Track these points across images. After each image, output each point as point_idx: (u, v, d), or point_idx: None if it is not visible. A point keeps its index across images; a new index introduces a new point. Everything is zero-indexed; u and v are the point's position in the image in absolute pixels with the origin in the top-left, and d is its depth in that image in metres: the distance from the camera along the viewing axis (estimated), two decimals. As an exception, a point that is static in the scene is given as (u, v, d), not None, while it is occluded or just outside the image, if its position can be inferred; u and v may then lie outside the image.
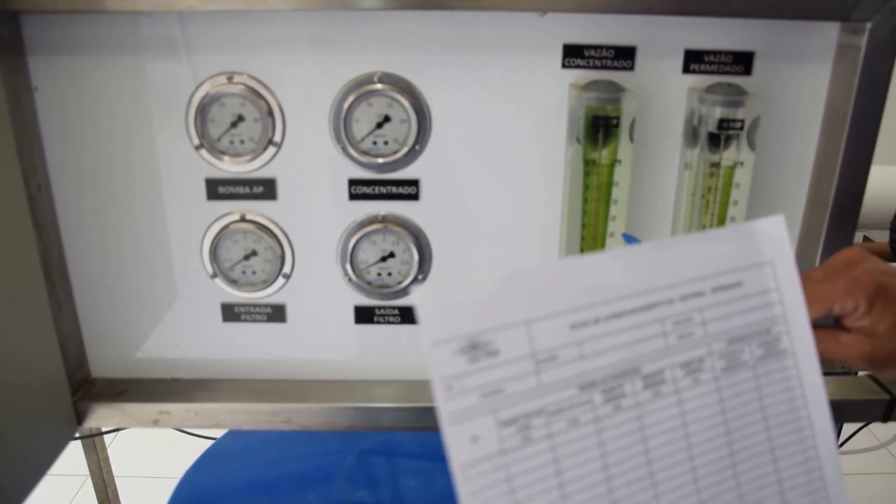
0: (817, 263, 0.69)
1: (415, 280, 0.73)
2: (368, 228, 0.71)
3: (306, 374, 0.77)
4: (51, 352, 0.69)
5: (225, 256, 0.73)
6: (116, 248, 0.72)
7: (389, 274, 0.73)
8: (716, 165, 0.66)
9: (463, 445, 0.38)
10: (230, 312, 0.75)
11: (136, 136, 0.68)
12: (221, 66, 0.66)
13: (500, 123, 0.68)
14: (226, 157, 0.69)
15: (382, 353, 0.77)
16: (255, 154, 0.69)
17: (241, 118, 0.68)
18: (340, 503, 0.88)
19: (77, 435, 0.75)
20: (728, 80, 0.66)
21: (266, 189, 0.70)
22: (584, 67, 0.66)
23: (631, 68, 0.66)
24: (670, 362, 0.42)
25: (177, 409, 0.73)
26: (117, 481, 1.24)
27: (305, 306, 0.75)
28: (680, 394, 0.42)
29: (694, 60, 0.66)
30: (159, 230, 0.72)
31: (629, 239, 0.64)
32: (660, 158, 0.70)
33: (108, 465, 1.20)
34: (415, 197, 0.71)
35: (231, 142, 0.68)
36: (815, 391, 0.45)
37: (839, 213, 0.67)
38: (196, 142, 0.68)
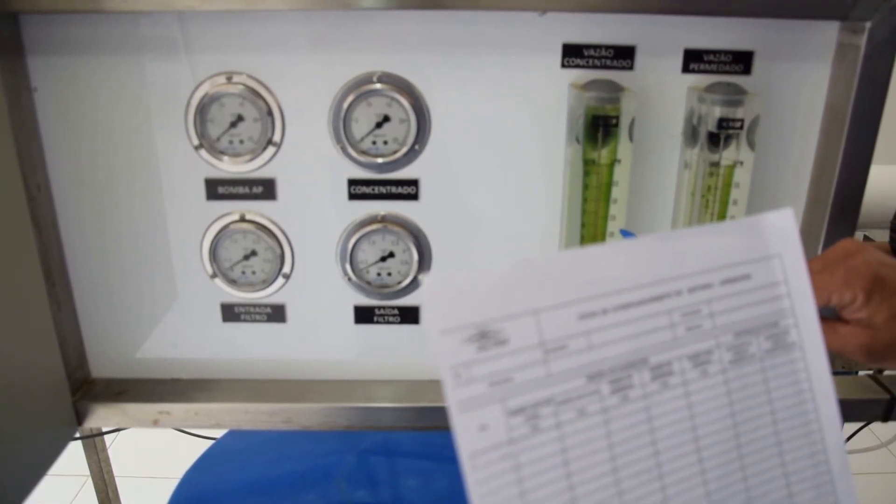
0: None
1: (415, 280, 0.74)
2: (368, 228, 0.71)
3: (306, 374, 0.77)
4: (51, 352, 0.69)
5: (225, 256, 0.73)
6: (116, 248, 0.72)
7: (389, 274, 0.73)
8: (715, 165, 0.66)
9: (471, 434, 0.37)
10: (230, 312, 0.75)
11: (136, 136, 0.68)
12: (221, 66, 0.66)
13: (500, 123, 0.68)
14: (225, 157, 0.69)
15: (382, 353, 0.77)
16: (255, 154, 0.69)
17: (240, 118, 0.68)
18: (340, 503, 0.88)
19: (77, 435, 0.75)
20: (727, 79, 0.66)
21: (266, 189, 0.70)
22: (583, 67, 0.66)
23: (630, 68, 0.66)
24: (678, 354, 0.42)
25: (177, 409, 0.73)
26: (118, 481, 1.24)
27: (305, 306, 0.75)
28: (687, 385, 0.42)
29: (693, 60, 0.66)
30: (159, 230, 0.72)
31: (627, 235, 0.63)
32: (659, 158, 0.70)
33: (109, 466, 1.20)
34: (414, 197, 0.71)
35: (230, 142, 0.68)
36: (822, 384, 0.45)
37: (839, 212, 0.67)
38: (196, 142, 0.68)
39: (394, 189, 0.70)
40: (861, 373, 0.79)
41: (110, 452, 1.21)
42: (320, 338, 0.76)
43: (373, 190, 0.71)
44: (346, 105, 0.67)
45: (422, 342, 0.76)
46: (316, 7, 0.62)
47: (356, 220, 0.72)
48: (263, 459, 0.97)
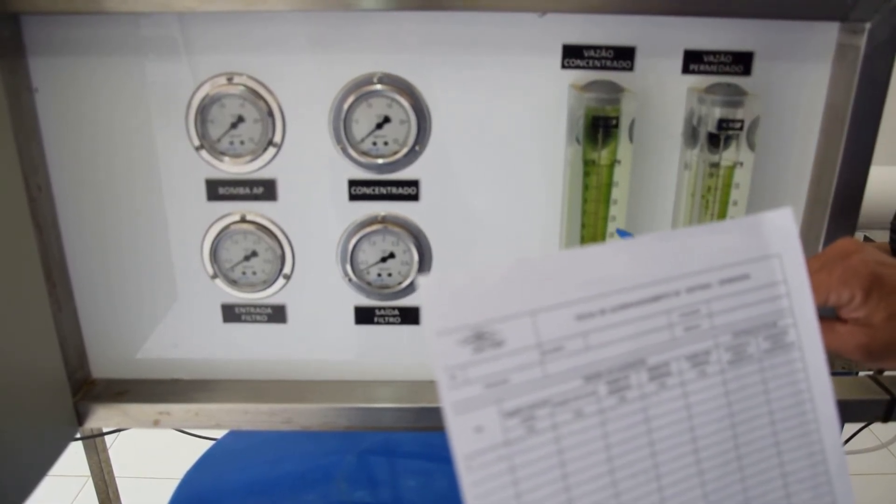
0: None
1: (415, 280, 0.74)
2: (368, 229, 0.71)
3: (306, 374, 0.77)
4: (51, 352, 0.69)
5: (225, 257, 0.73)
6: (117, 249, 0.72)
7: (389, 274, 0.74)
8: (715, 166, 0.66)
9: (466, 436, 0.37)
10: (230, 313, 0.75)
11: (137, 136, 0.69)
12: (221, 66, 0.66)
13: (500, 124, 0.68)
14: (226, 158, 0.69)
15: (382, 354, 0.77)
16: (256, 155, 0.69)
17: (241, 119, 0.68)
18: (340, 503, 0.88)
19: (78, 435, 0.75)
20: (727, 80, 0.66)
21: (266, 190, 0.70)
22: (583, 68, 0.66)
23: (630, 69, 0.66)
24: (676, 354, 0.42)
25: (177, 409, 0.73)
26: (118, 482, 1.24)
27: (306, 307, 0.75)
28: (685, 386, 0.42)
29: (693, 61, 0.66)
30: (160, 231, 0.72)
31: (624, 235, 0.63)
32: (659, 159, 0.70)
33: (109, 466, 1.20)
34: (415, 197, 0.71)
35: (231, 142, 0.69)
36: (821, 385, 0.45)
37: (839, 213, 0.67)
38: (196, 142, 0.68)
39: (394, 190, 0.71)
40: (861, 373, 0.78)
41: (111, 453, 1.21)
42: (321, 338, 0.76)
43: (373, 191, 0.71)
44: (346, 106, 0.67)
45: (422, 343, 0.76)
46: (316, 8, 0.62)
47: (356, 220, 0.72)
48: (264, 460, 0.97)
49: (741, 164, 0.66)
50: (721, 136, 0.64)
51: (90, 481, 1.21)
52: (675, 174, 0.70)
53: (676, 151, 0.70)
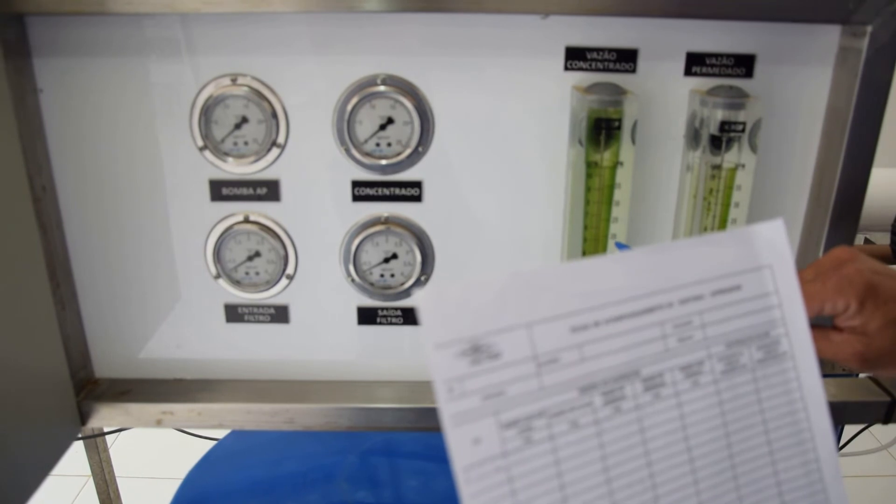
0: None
1: (418, 281, 0.74)
2: (371, 230, 0.71)
3: (309, 374, 0.77)
4: (54, 352, 0.70)
5: (228, 257, 0.73)
6: (120, 249, 0.72)
7: (392, 275, 0.74)
8: (717, 168, 0.66)
9: (465, 447, 0.38)
10: (233, 313, 0.75)
11: (141, 137, 0.69)
12: (225, 67, 0.67)
13: (503, 125, 0.69)
14: (229, 159, 0.69)
15: (385, 354, 0.77)
16: (259, 155, 0.69)
17: (244, 120, 0.68)
18: (342, 503, 0.88)
19: (79, 435, 0.75)
20: (729, 82, 0.67)
21: (270, 190, 0.71)
22: (586, 70, 0.67)
23: (633, 71, 0.67)
24: (670, 365, 0.42)
25: (180, 409, 0.73)
26: (118, 482, 1.24)
27: (308, 307, 0.75)
28: (679, 396, 0.42)
29: (695, 63, 0.66)
30: (163, 231, 0.72)
31: (622, 248, 0.64)
32: (661, 160, 0.70)
33: (110, 466, 1.21)
34: (418, 198, 0.71)
35: (235, 143, 0.69)
36: (814, 394, 0.45)
37: (840, 215, 0.67)
38: (200, 143, 0.69)
39: (397, 191, 0.71)
40: (862, 375, 0.79)
41: (111, 452, 1.21)
42: (323, 338, 0.77)
43: (376, 192, 0.71)
44: (350, 107, 0.67)
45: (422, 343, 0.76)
46: (320, 9, 0.62)
47: (360, 221, 0.72)
48: (266, 460, 0.97)
49: (743, 166, 0.66)
50: (723, 138, 0.65)
51: (91, 481, 1.21)
52: (678, 176, 0.71)
53: (678, 153, 0.70)
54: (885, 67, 0.62)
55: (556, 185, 0.71)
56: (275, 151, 0.69)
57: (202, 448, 1.04)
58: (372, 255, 0.73)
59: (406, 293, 0.74)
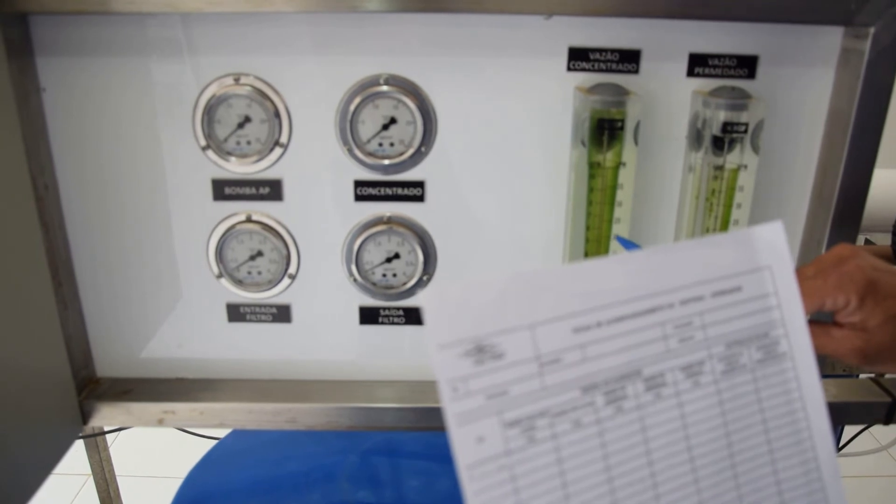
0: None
1: (420, 281, 0.74)
2: (374, 229, 0.71)
3: (310, 374, 0.78)
4: (56, 351, 0.70)
5: (231, 257, 0.73)
6: (123, 248, 0.72)
7: (394, 275, 0.74)
8: (719, 168, 0.66)
9: (469, 446, 0.38)
10: (235, 312, 0.76)
11: (143, 136, 0.69)
12: (228, 67, 0.67)
13: (505, 125, 0.69)
14: (232, 158, 0.69)
15: (386, 354, 0.77)
16: (262, 155, 0.69)
17: (247, 119, 0.68)
18: (343, 503, 0.89)
19: (79, 434, 0.75)
20: (732, 83, 0.67)
21: (272, 190, 0.71)
22: (588, 70, 0.67)
23: (635, 71, 0.67)
24: (671, 365, 0.43)
25: (181, 408, 0.73)
26: (119, 481, 1.24)
27: (310, 307, 0.75)
28: (680, 396, 0.43)
29: (698, 64, 0.66)
30: (165, 230, 0.72)
31: (623, 242, 0.64)
32: (664, 161, 0.70)
33: (110, 465, 1.21)
34: (420, 198, 0.71)
35: (238, 143, 0.69)
36: (813, 394, 0.46)
37: (842, 216, 0.67)
38: (203, 142, 0.69)
39: (400, 191, 0.71)
40: (862, 375, 0.79)
41: (112, 451, 1.21)
42: (325, 338, 0.77)
43: (379, 191, 0.71)
44: (352, 107, 0.67)
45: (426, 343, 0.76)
46: (323, 9, 0.62)
47: (362, 221, 0.72)
48: (267, 459, 0.97)
49: (745, 167, 0.66)
50: (725, 139, 0.65)
51: (91, 480, 1.21)
52: (680, 177, 0.71)
53: (681, 154, 0.70)
54: (887, 69, 0.62)
55: (559, 185, 0.71)
56: (277, 151, 0.69)
57: (203, 447, 1.04)
58: (374, 255, 0.73)
59: (408, 293, 0.75)
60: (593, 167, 0.66)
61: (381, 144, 0.69)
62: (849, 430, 1.03)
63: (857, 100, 0.63)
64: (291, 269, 0.73)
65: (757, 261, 0.44)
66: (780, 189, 0.71)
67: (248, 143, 0.69)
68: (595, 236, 0.69)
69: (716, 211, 0.68)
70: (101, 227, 0.72)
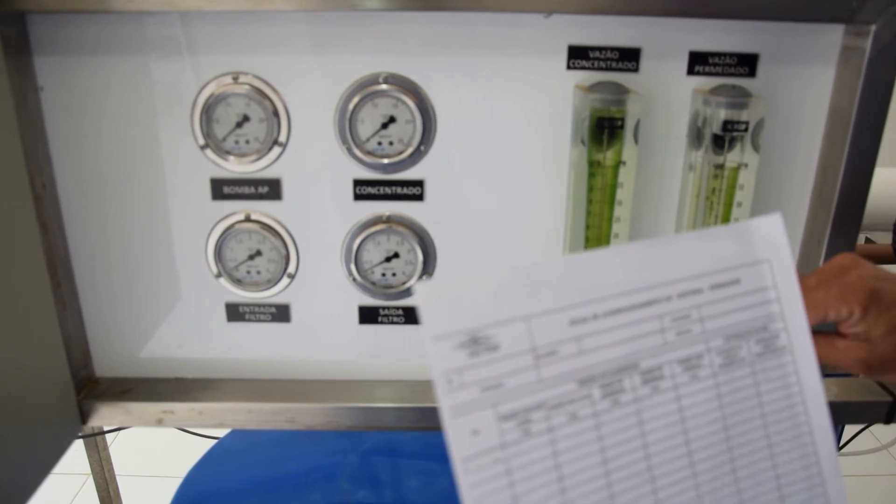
0: (820, 265, 0.69)
1: (419, 280, 0.74)
2: (373, 229, 0.71)
3: (310, 373, 0.77)
4: (55, 351, 0.69)
5: (229, 256, 0.73)
6: (121, 248, 0.72)
7: (394, 274, 0.74)
8: (720, 167, 0.66)
9: (464, 439, 0.38)
10: (234, 312, 0.75)
11: (142, 135, 0.69)
12: (227, 66, 0.67)
13: (505, 124, 0.69)
14: (231, 157, 0.69)
15: (386, 353, 0.77)
16: (261, 154, 0.69)
17: (246, 118, 0.68)
18: (343, 503, 0.88)
19: (79, 433, 0.75)
20: (732, 81, 0.66)
21: (271, 189, 0.71)
22: (588, 69, 0.66)
23: (635, 70, 0.67)
24: (668, 358, 0.42)
25: (181, 408, 0.73)
26: (118, 480, 1.24)
27: (310, 306, 0.75)
28: (678, 389, 0.43)
29: (698, 62, 0.66)
30: (164, 230, 0.72)
31: None
32: (664, 160, 0.70)
33: (110, 465, 1.20)
34: (419, 197, 0.71)
35: (236, 142, 0.69)
36: (813, 388, 0.45)
37: (842, 215, 0.67)
38: (201, 142, 0.68)
39: (399, 190, 0.71)
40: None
41: (111, 451, 1.21)
42: (324, 338, 0.77)
43: (378, 190, 0.71)
44: (351, 106, 0.67)
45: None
46: (322, 7, 0.62)
47: (361, 220, 0.72)
48: (266, 459, 0.97)
49: (745, 165, 0.66)
50: (726, 137, 0.65)
51: (90, 479, 1.21)
52: (680, 175, 0.71)
53: (681, 153, 0.70)
54: (888, 67, 0.62)
55: (559, 184, 0.70)
56: (276, 150, 0.69)
57: (202, 447, 1.04)
58: (373, 254, 0.73)
59: (407, 292, 0.74)
60: (593, 166, 0.66)
61: (380, 143, 0.69)
62: (849, 430, 1.03)
63: (857, 98, 0.63)
64: (290, 269, 0.73)
65: (756, 254, 0.44)
66: (781, 187, 0.70)
67: (247, 142, 0.69)
68: (595, 235, 0.68)
69: (716, 209, 0.67)
70: (100, 227, 0.71)
